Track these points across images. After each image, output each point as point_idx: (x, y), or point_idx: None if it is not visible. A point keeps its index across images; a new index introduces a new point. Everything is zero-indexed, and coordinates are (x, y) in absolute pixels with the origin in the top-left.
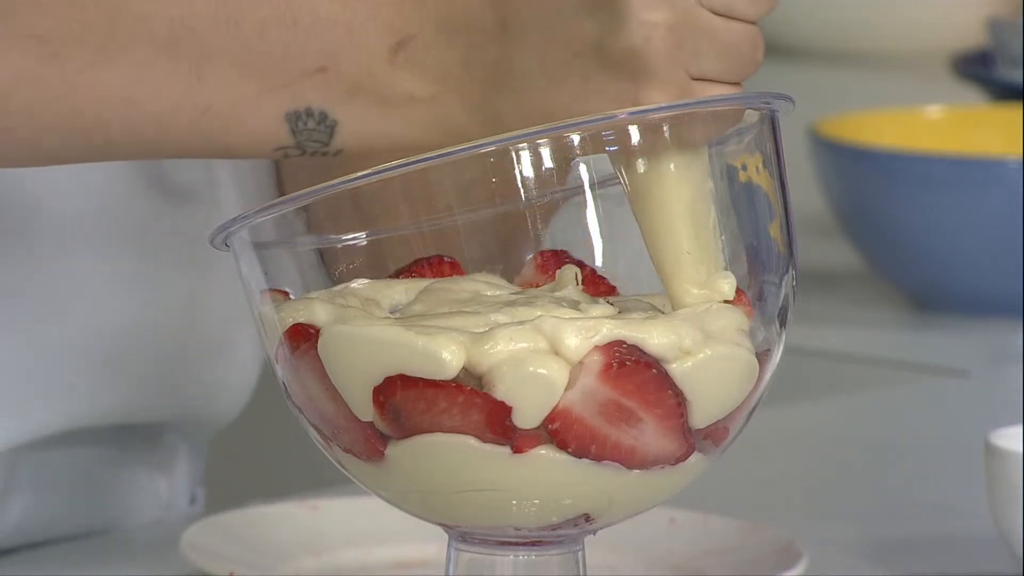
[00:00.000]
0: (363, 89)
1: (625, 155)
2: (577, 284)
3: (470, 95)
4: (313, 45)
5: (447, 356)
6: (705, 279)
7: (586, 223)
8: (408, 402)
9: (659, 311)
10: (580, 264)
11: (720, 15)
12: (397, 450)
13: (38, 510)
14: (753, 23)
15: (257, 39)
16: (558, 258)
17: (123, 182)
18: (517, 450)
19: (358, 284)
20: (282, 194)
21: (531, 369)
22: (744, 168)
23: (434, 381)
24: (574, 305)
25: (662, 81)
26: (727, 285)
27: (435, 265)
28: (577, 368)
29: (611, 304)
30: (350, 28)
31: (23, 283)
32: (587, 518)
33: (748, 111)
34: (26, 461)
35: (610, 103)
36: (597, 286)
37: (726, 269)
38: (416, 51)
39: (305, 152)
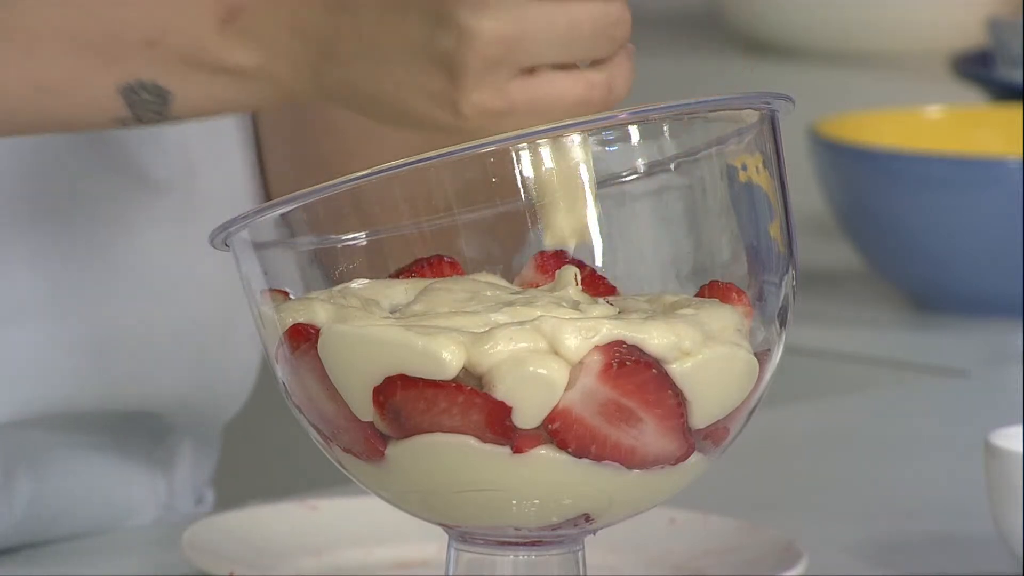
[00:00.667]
0: (194, 60)
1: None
2: (577, 284)
3: (300, 64)
4: (143, 20)
5: (447, 356)
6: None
7: (586, 223)
8: (408, 402)
9: (657, 310)
10: (580, 264)
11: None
12: (397, 450)
13: (42, 503)
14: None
15: (87, 16)
16: (558, 258)
17: (100, 172)
18: (517, 450)
19: (358, 284)
20: (265, 183)
21: (531, 369)
22: (744, 168)
23: (434, 381)
24: (574, 305)
25: (476, 84)
26: (568, 275)
27: (435, 265)
28: (577, 368)
29: (611, 304)
30: (178, 1)
31: (24, 274)
32: (587, 518)
33: (748, 111)
34: (27, 450)
35: (429, 100)
36: (597, 286)
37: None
38: (245, 22)
39: (142, 122)
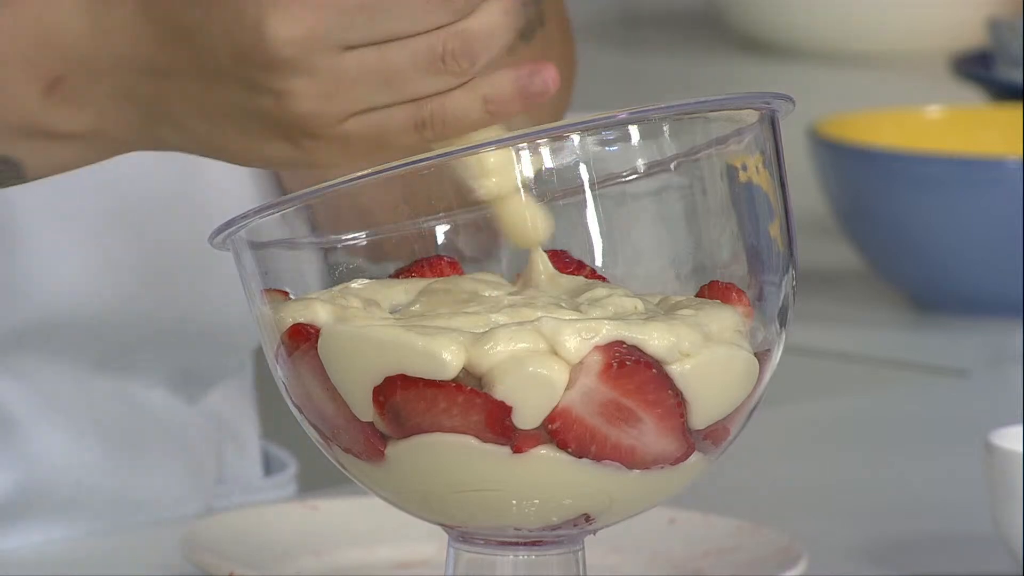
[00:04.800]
0: (28, 129)
1: None
2: (543, 269)
3: (130, 125)
4: None
5: (447, 356)
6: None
7: (586, 223)
8: (408, 402)
9: (657, 310)
10: (580, 264)
11: (370, 44)
12: (397, 450)
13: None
14: (423, 31)
15: None
16: (558, 258)
17: None
18: (517, 450)
19: (358, 284)
20: (279, 181)
21: (531, 369)
22: (744, 168)
23: (434, 381)
24: (574, 306)
25: (310, 132)
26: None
27: (435, 265)
28: (577, 368)
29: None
30: (2, 77)
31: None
32: (587, 518)
33: (748, 111)
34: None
35: (275, 151)
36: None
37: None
38: (67, 90)
39: (5, 186)
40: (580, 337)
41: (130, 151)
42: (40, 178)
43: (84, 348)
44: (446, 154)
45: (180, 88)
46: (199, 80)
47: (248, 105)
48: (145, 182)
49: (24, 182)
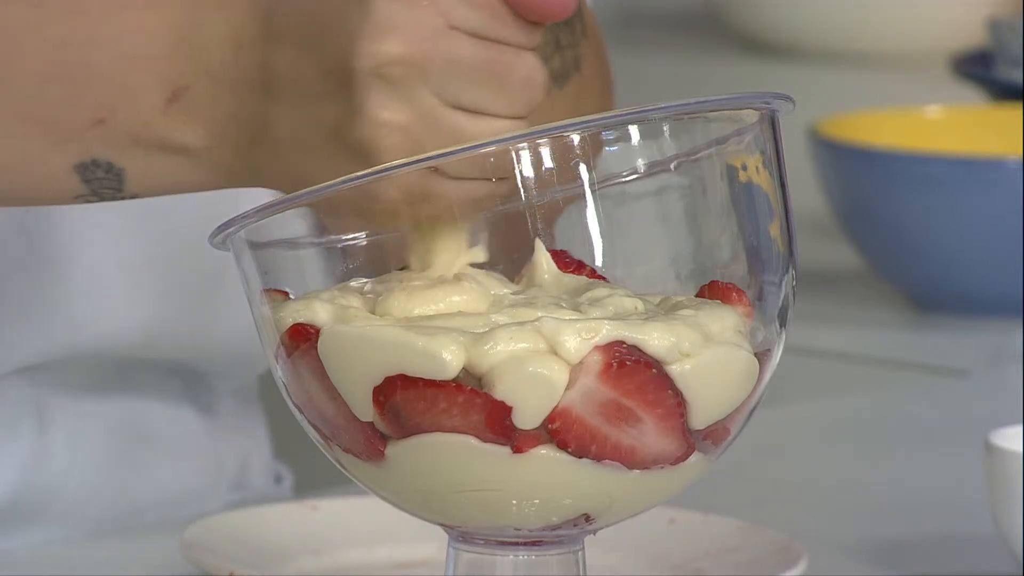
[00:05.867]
0: (142, 139)
1: None
2: (546, 268)
3: (236, 147)
4: (90, 99)
5: (447, 356)
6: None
7: (586, 223)
8: (408, 402)
9: (657, 310)
10: (580, 264)
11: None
12: (397, 450)
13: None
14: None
15: (37, 95)
16: (559, 258)
17: None
18: (517, 450)
19: (357, 283)
20: None
21: (531, 369)
22: (744, 168)
23: (434, 381)
24: (575, 306)
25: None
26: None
27: None
28: (577, 368)
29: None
30: (125, 81)
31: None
32: (587, 518)
33: (748, 111)
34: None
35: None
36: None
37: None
38: (190, 102)
39: (103, 198)
40: (580, 337)
41: (225, 183)
42: (137, 196)
43: (103, 365)
44: (446, 154)
45: (283, 110)
46: (303, 101)
47: (343, 131)
48: (184, 215)
49: (122, 197)
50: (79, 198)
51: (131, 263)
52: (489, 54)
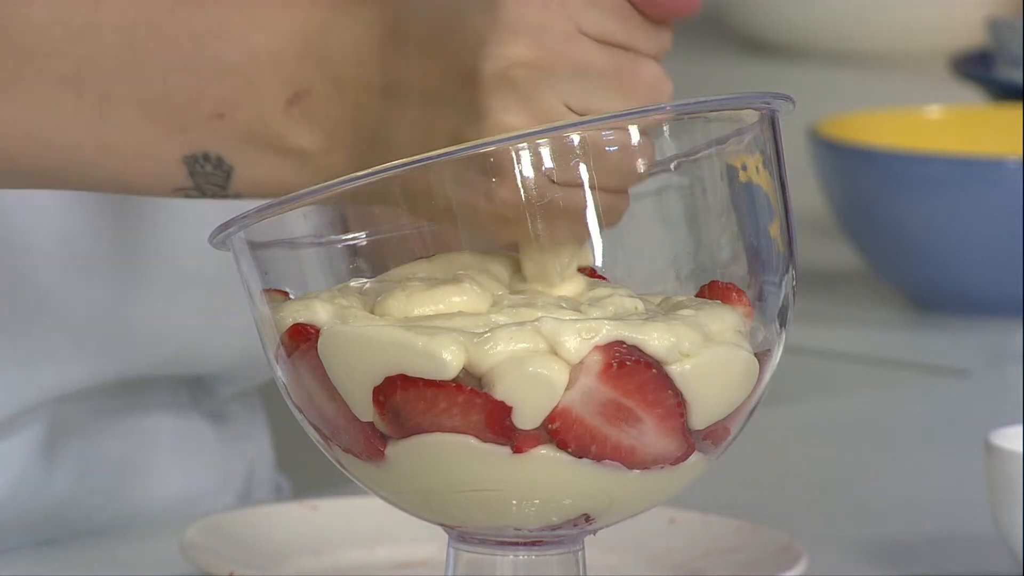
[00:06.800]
0: (258, 137)
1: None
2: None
3: (354, 151)
4: (213, 91)
5: (447, 356)
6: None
7: (586, 223)
8: (408, 402)
9: (658, 310)
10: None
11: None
12: (397, 450)
13: (90, 478)
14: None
15: (160, 83)
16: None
17: None
18: (517, 450)
19: (357, 283)
20: None
21: (531, 369)
22: (744, 168)
23: (434, 381)
24: (575, 306)
25: (511, 179)
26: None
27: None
28: (577, 368)
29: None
30: (249, 78)
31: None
32: (587, 518)
33: (748, 111)
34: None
35: (470, 193)
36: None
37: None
38: (310, 105)
39: (205, 194)
40: (580, 337)
41: None
42: (241, 196)
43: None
44: (446, 153)
45: (403, 113)
46: (425, 103)
47: (462, 136)
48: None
49: (224, 196)
50: (179, 191)
51: (195, 294)
52: (617, 60)
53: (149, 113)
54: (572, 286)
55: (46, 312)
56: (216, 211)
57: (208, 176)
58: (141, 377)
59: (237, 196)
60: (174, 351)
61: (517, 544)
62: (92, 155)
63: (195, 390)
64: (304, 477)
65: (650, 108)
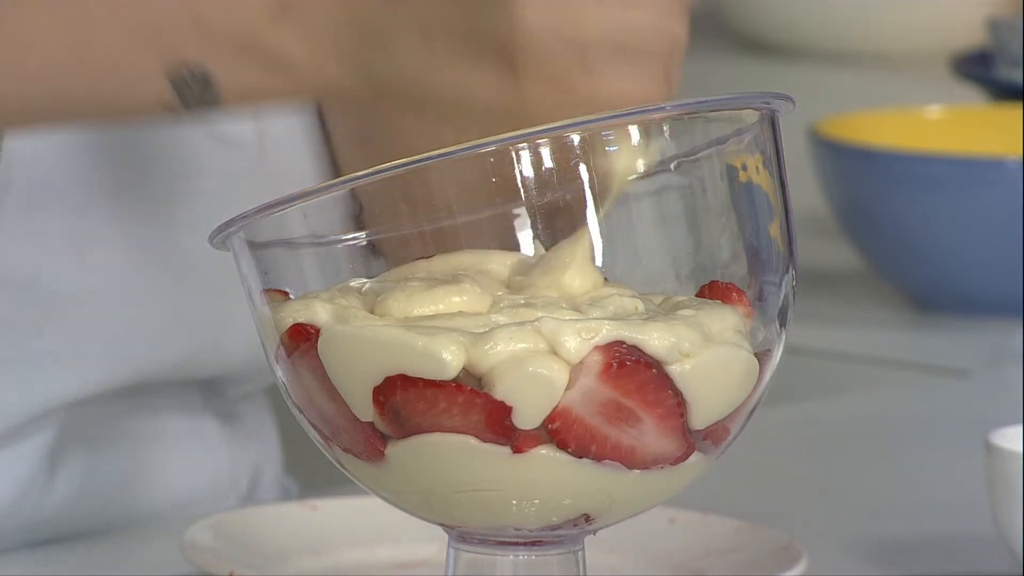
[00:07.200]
0: (242, 46)
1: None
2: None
3: (351, 58)
4: (197, 1)
5: (447, 356)
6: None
7: (586, 223)
8: (408, 402)
9: (658, 310)
10: None
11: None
12: (397, 450)
13: (97, 480)
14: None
15: None
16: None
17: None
18: (517, 450)
19: (357, 283)
20: (333, 161)
21: (531, 369)
22: (744, 168)
23: (434, 381)
24: (575, 306)
25: (536, 72)
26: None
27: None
28: (577, 368)
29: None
30: None
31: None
32: (587, 518)
33: (748, 111)
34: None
35: (492, 93)
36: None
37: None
38: (297, 11)
39: (189, 107)
40: (580, 337)
41: (333, 95)
42: (226, 107)
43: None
44: (446, 153)
45: (411, 13)
46: (435, 1)
47: (482, 30)
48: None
49: (209, 108)
50: (164, 106)
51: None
52: None
53: (128, 23)
54: (583, 280)
55: (57, 316)
56: (224, 215)
57: (191, 89)
58: (152, 380)
59: (222, 108)
60: (185, 353)
61: (517, 544)
62: (76, 79)
63: (206, 391)
64: (313, 481)
65: (650, 108)
